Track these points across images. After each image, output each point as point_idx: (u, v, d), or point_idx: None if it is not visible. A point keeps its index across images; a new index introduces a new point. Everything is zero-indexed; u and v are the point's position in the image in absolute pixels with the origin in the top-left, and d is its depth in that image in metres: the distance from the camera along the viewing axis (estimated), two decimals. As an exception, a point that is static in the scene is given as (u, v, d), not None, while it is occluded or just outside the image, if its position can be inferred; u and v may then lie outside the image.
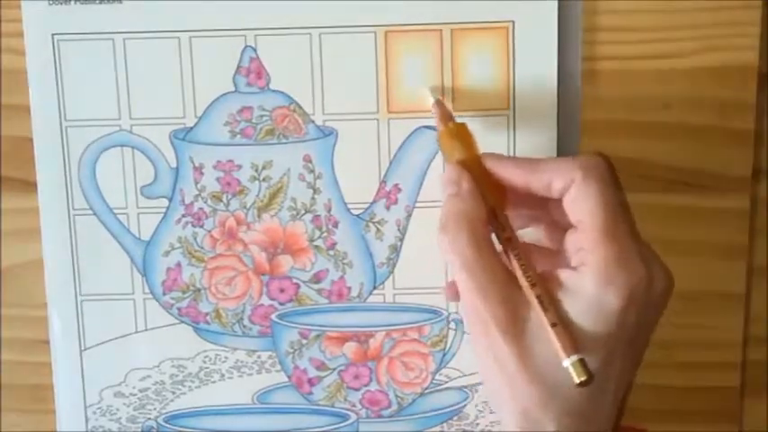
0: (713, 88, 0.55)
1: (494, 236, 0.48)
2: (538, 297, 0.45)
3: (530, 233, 0.51)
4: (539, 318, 0.45)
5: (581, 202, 0.45)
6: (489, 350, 0.46)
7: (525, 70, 0.54)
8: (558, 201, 0.47)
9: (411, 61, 0.55)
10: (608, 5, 0.55)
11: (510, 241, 0.47)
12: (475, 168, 0.49)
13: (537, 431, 0.45)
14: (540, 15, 0.54)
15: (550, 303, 0.45)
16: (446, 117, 0.52)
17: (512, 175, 0.48)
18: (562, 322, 0.44)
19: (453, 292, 0.48)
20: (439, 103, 0.53)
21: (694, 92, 0.56)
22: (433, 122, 0.55)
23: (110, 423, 0.60)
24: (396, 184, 0.56)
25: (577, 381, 0.43)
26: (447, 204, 0.48)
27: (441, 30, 0.54)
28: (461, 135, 0.51)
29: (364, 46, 0.55)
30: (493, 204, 0.48)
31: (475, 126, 0.54)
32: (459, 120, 0.53)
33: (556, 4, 0.53)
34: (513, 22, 0.54)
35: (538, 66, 0.54)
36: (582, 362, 0.43)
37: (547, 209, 0.49)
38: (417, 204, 0.57)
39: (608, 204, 0.45)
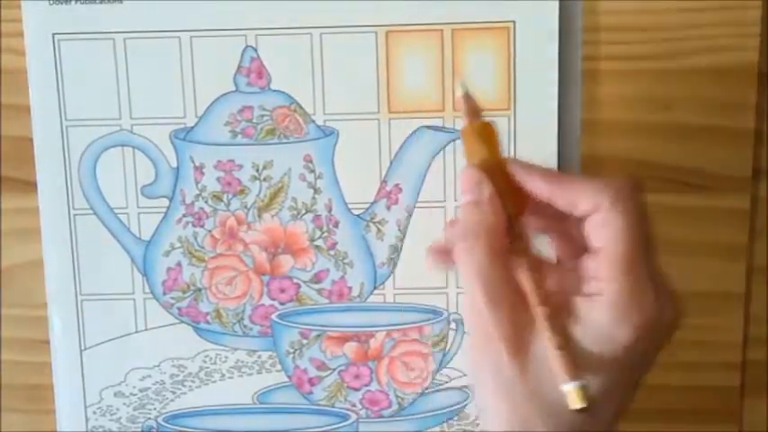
0: (713, 88, 0.55)
1: None
2: (546, 318, 0.45)
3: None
4: (544, 338, 0.44)
5: (605, 230, 0.44)
6: (489, 362, 0.45)
7: (526, 70, 0.54)
8: (580, 219, 0.46)
9: (412, 61, 0.55)
10: (608, 5, 0.55)
11: (524, 253, 0.46)
12: (496, 171, 0.47)
13: None
14: (540, 15, 0.54)
15: (558, 326, 0.44)
16: (473, 113, 0.49)
17: (536, 187, 0.47)
18: (568, 347, 0.44)
19: (440, 256, 0.48)
20: (467, 97, 0.51)
21: (694, 92, 0.56)
22: (433, 122, 0.55)
23: (110, 423, 0.60)
24: (396, 184, 0.56)
25: (576, 407, 0.43)
26: (466, 212, 0.47)
27: (441, 30, 0.54)
28: (486, 135, 0.48)
29: (365, 46, 0.55)
30: (510, 212, 0.47)
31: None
32: (458, 119, 0.53)
33: (556, 4, 0.53)
34: (514, 22, 0.54)
35: (538, 66, 0.54)
36: (583, 389, 0.43)
37: (565, 223, 0.49)
38: (418, 204, 0.57)
39: (633, 237, 0.44)
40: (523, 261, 0.46)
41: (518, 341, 0.45)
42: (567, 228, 0.49)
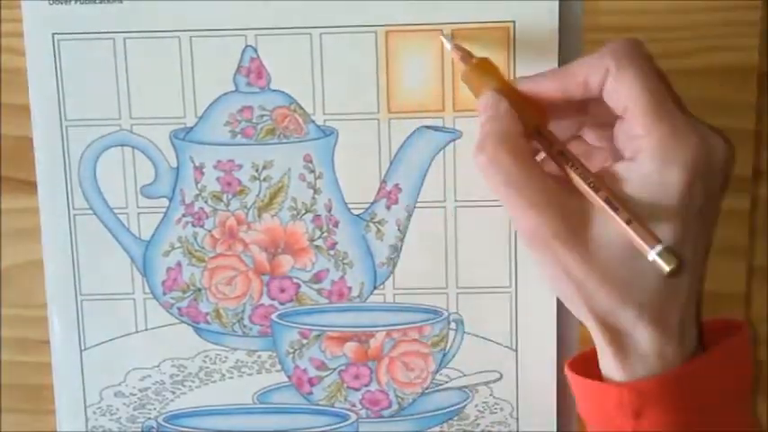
0: (713, 88, 0.55)
1: (542, 154, 0.47)
2: (605, 199, 0.44)
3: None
4: (603, 221, 0.44)
5: (621, 90, 0.44)
6: (554, 262, 0.45)
7: (526, 70, 0.54)
8: (599, 99, 0.46)
9: (411, 61, 0.55)
10: (608, 5, 0.55)
11: (562, 154, 0.46)
12: (510, 94, 0.48)
13: (619, 329, 0.45)
14: (540, 15, 0.54)
15: (618, 202, 0.43)
16: (467, 56, 0.51)
17: (548, 88, 0.47)
18: (635, 217, 0.43)
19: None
20: (457, 46, 0.52)
21: (695, 92, 0.55)
22: (433, 122, 0.55)
23: (110, 423, 0.60)
24: (396, 184, 0.56)
25: (668, 269, 0.42)
26: (485, 127, 0.47)
27: (441, 30, 0.54)
28: (488, 68, 0.50)
29: (365, 46, 0.55)
30: (536, 123, 0.47)
31: (475, 126, 0.54)
32: (458, 119, 0.53)
33: (557, 4, 0.53)
34: (514, 22, 0.54)
35: (538, 66, 0.54)
36: (669, 250, 0.42)
37: (589, 111, 0.48)
38: (418, 204, 0.57)
39: (649, 85, 0.44)
40: (563, 159, 0.45)
41: (573, 233, 0.44)
42: (596, 116, 0.48)
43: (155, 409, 0.59)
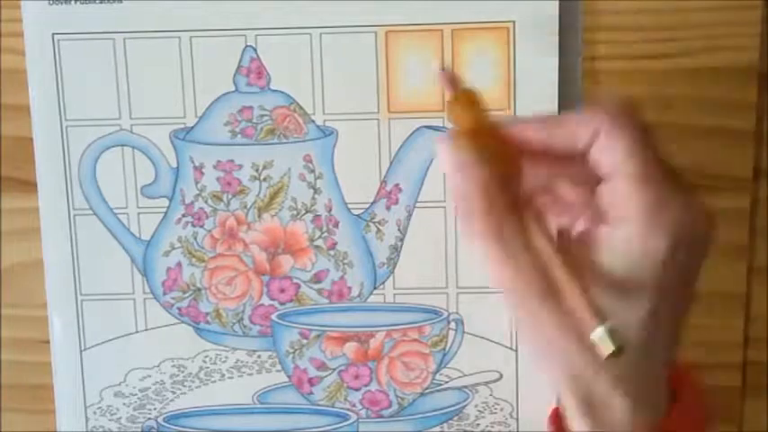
0: (714, 88, 0.55)
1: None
2: (563, 264, 0.42)
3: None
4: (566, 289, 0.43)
5: (612, 150, 0.43)
6: (528, 318, 0.44)
7: (526, 70, 0.54)
8: (583, 156, 0.44)
9: (411, 61, 0.55)
10: (608, 5, 0.55)
11: (527, 209, 0.44)
12: (485, 135, 0.46)
13: (593, 397, 0.44)
14: (540, 15, 0.54)
15: (577, 270, 0.42)
16: (454, 84, 0.48)
17: (533, 132, 0.45)
18: (589, 291, 0.42)
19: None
20: (446, 71, 0.51)
21: (695, 92, 0.56)
22: (433, 122, 0.55)
23: (110, 423, 0.60)
24: (396, 184, 0.56)
25: (607, 353, 0.40)
26: (453, 182, 0.45)
27: (441, 30, 0.54)
28: (469, 101, 0.47)
29: (365, 46, 0.55)
30: (504, 171, 0.46)
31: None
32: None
33: (557, 4, 0.53)
34: (514, 22, 0.54)
35: (538, 66, 0.54)
36: (611, 331, 0.40)
37: (569, 166, 0.46)
38: (418, 204, 0.57)
39: (640, 150, 0.43)
40: (528, 213, 0.44)
41: (550, 291, 0.43)
42: (575, 172, 0.46)
43: (155, 409, 0.59)
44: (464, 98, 0.48)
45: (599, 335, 0.40)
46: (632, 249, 0.42)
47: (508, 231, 0.44)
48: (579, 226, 0.46)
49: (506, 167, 0.45)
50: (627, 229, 0.42)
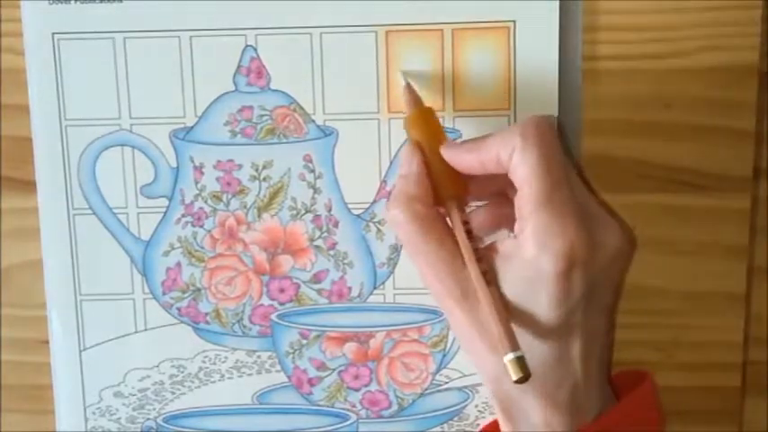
0: (713, 88, 0.55)
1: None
2: (483, 274, 0.45)
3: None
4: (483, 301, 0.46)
5: (521, 169, 0.45)
6: (449, 317, 0.47)
7: (526, 70, 0.54)
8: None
9: (412, 61, 0.55)
10: (608, 5, 0.55)
11: (467, 233, 0.47)
12: (434, 156, 0.49)
13: (508, 396, 0.46)
14: (540, 15, 0.54)
15: (495, 291, 0.45)
16: (414, 102, 0.52)
17: (464, 161, 0.48)
18: (504, 316, 0.45)
19: None
20: (408, 88, 0.53)
21: (695, 92, 0.56)
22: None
23: (109, 423, 0.60)
24: (396, 184, 0.56)
25: (514, 378, 0.44)
26: (396, 183, 0.49)
27: (441, 30, 0.54)
28: (426, 120, 0.51)
29: (365, 46, 0.55)
30: (447, 195, 0.48)
31: (475, 126, 0.54)
32: (458, 119, 0.53)
33: (557, 3, 0.53)
34: (514, 21, 0.54)
35: (538, 66, 0.54)
36: (519, 360, 0.44)
37: (501, 182, 0.49)
38: (418, 204, 0.56)
39: (545, 170, 0.45)
40: (466, 238, 0.47)
41: (466, 298, 0.46)
42: (506, 186, 0.49)
43: (154, 409, 0.59)
44: (421, 116, 0.51)
45: (509, 358, 0.44)
46: (529, 267, 0.45)
47: (427, 239, 0.47)
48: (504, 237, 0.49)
49: (452, 189, 0.49)
50: (524, 247, 0.45)
